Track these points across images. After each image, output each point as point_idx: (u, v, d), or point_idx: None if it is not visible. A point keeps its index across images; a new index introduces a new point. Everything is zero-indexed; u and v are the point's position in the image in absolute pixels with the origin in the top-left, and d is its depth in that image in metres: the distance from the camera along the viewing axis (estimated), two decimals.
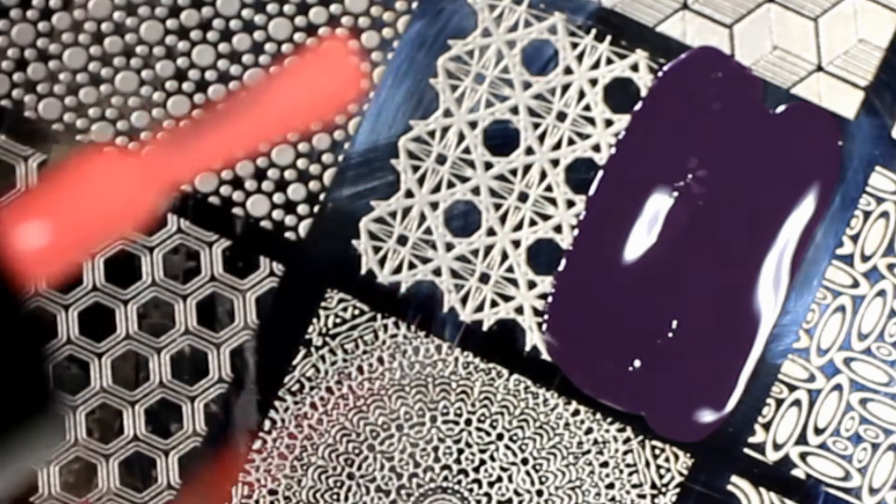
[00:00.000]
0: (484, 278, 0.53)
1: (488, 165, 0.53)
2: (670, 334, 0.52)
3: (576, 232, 0.52)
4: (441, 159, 0.52)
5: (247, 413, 0.53)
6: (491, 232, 0.53)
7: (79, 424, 0.53)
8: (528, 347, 0.53)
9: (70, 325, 0.53)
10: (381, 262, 0.53)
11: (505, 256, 0.53)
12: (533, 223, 0.53)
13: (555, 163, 0.53)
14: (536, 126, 0.53)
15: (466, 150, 0.52)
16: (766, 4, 0.53)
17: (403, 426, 0.53)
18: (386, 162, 0.52)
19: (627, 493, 0.52)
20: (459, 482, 0.53)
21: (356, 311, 0.53)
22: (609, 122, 0.53)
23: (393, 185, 0.52)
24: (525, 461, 0.53)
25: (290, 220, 0.53)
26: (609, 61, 0.53)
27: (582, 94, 0.53)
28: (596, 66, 0.53)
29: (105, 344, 0.53)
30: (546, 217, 0.53)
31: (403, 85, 0.52)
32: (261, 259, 0.53)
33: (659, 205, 0.52)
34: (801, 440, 0.52)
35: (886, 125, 0.53)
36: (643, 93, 0.53)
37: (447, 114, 0.52)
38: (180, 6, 0.52)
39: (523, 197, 0.53)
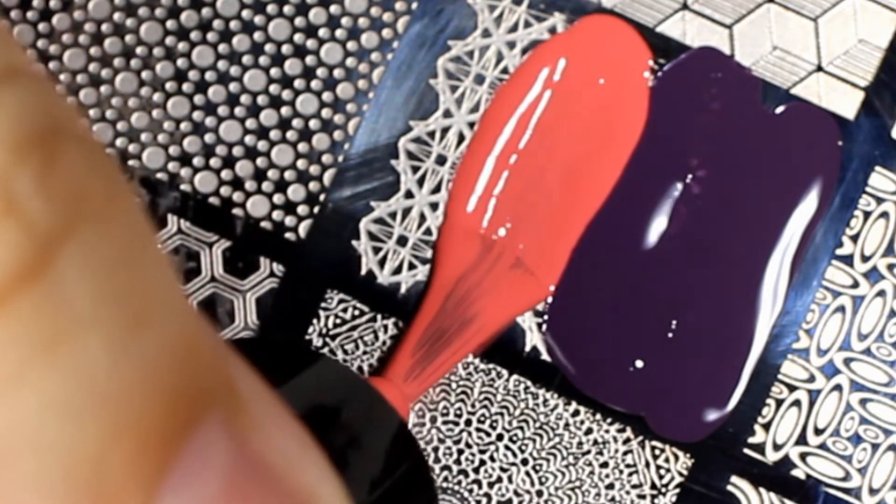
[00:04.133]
0: None
1: None
2: (670, 334, 0.52)
3: None
4: (441, 160, 0.52)
5: None
6: None
7: None
8: (528, 348, 0.53)
9: None
10: (382, 263, 0.53)
11: None
12: None
13: None
14: None
15: None
16: (766, 4, 0.53)
17: None
18: (386, 162, 0.52)
19: (627, 493, 0.52)
20: (459, 483, 0.53)
21: (356, 312, 0.53)
22: None
23: (393, 185, 0.52)
24: (525, 461, 0.53)
25: (290, 220, 0.53)
26: None
27: None
28: None
29: None
30: None
31: (403, 85, 0.52)
32: (261, 260, 0.53)
33: (659, 205, 0.52)
34: (801, 440, 0.52)
35: (886, 125, 0.53)
36: None
37: (447, 114, 0.52)
38: (180, 7, 0.52)
39: None
